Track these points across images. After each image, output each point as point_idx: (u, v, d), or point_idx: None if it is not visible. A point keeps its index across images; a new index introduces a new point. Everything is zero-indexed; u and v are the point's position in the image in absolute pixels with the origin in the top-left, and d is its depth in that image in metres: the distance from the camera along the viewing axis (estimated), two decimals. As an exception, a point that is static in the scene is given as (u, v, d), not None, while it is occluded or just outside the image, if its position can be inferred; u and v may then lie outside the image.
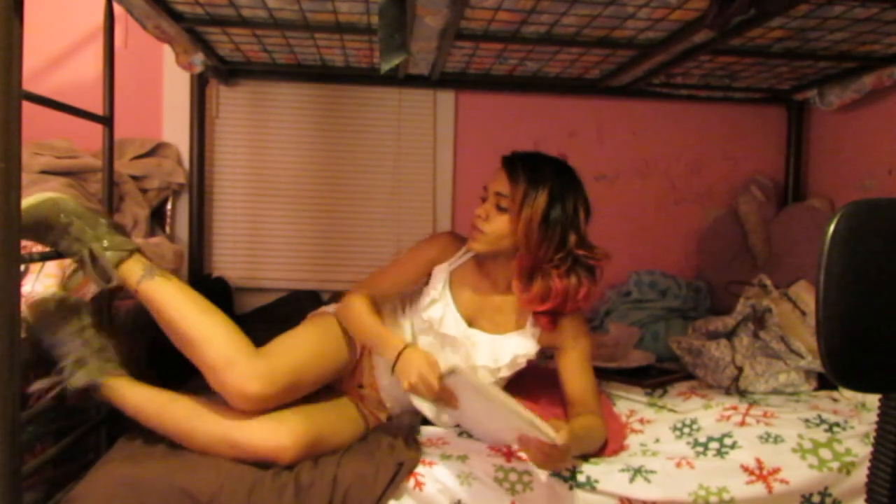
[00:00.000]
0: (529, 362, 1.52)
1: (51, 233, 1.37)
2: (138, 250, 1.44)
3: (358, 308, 1.51)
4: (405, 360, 1.36)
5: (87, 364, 1.36)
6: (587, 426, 1.37)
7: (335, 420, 1.45)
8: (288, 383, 1.36)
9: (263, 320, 2.30)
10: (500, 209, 1.44)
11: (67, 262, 1.74)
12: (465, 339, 1.50)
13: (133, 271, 1.40)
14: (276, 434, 1.30)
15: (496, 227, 1.44)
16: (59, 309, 1.39)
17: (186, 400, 1.39)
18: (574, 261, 1.43)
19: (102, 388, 1.38)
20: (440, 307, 1.51)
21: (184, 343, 1.38)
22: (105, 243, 1.40)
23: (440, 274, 1.55)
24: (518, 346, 1.49)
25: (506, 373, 1.50)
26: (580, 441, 1.31)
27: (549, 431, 1.17)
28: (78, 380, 1.35)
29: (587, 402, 1.48)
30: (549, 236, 1.41)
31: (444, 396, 1.33)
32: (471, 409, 1.35)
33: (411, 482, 1.27)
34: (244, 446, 1.30)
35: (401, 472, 1.27)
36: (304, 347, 1.46)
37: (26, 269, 1.72)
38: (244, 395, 1.31)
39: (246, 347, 1.37)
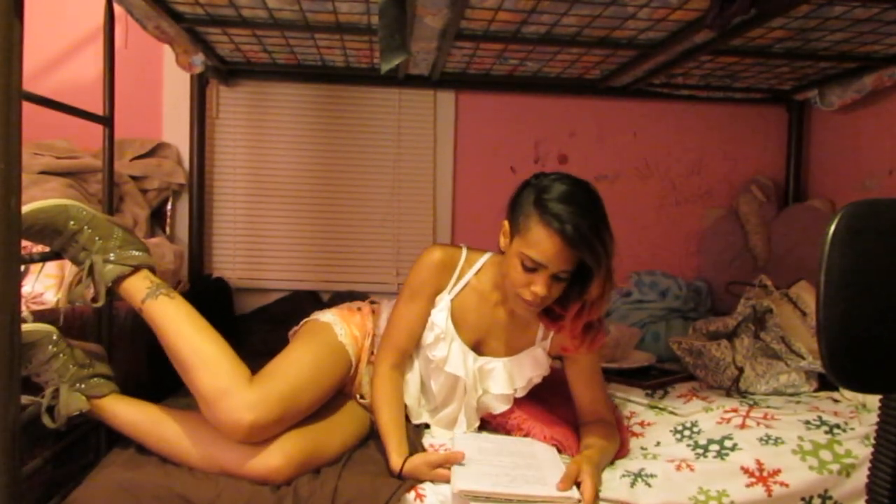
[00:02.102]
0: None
1: (58, 238, 1.35)
2: (148, 267, 1.41)
3: (377, 398, 1.44)
4: (410, 475, 1.28)
5: (63, 396, 1.32)
6: (605, 447, 1.37)
7: (335, 428, 1.41)
8: (282, 411, 1.30)
9: (263, 321, 2.31)
10: (562, 280, 1.32)
11: (67, 271, 1.74)
12: (477, 370, 1.47)
13: (137, 289, 1.37)
14: (267, 456, 1.27)
15: (556, 294, 1.34)
16: (25, 342, 1.30)
17: (175, 420, 1.35)
18: None
19: (91, 411, 1.36)
20: (444, 345, 1.44)
21: (180, 368, 1.34)
22: (111, 257, 1.36)
23: (441, 304, 1.47)
24: (533, 367, 1.48)
25: (521, 393, 1.49)
26: (599, 466, 1.32)
27: (563, 496, 1.20)
28: (58, 413, 1.31)
29: (598, 409, 1.48)
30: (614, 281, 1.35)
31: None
32: (489, 455, 1.35)
33: (412, 494, 1.26)
34: (234, 471, 1.28)
35: (402, 487, 1.25)
36: (298, 371, 1.38)
37: (26, 270, 1.72)
38: (238, 428, 1.26)
39: (239, 377, 1.31)
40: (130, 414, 1.37)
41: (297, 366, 1.41)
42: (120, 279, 1.37)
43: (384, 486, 1.25)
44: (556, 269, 1.29)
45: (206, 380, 1.30)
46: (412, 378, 1.51)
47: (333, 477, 1.28)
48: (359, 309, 1.62)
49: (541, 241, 1.28)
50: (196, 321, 1.37)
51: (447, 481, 1.25)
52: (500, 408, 1.48)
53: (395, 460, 1.30)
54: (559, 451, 1.43)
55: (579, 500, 1.21)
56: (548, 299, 1.33)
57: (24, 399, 1.26)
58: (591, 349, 1.43)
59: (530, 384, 1.49)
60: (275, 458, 1.27)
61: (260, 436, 1.28)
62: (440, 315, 1.46)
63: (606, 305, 1.37)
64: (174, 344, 1.34)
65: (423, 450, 1.39)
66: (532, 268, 1.30)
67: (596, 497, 1.23)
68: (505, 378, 1.47)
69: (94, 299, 1.37)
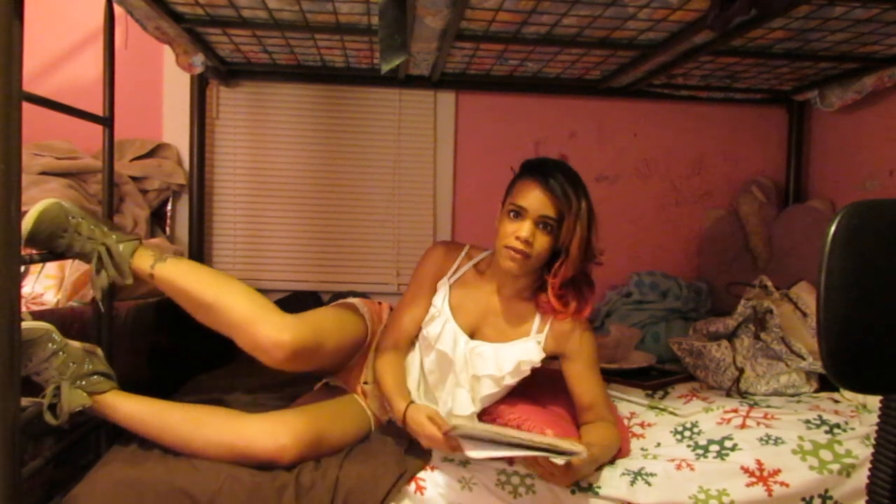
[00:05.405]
0: (534, 369, 1.51)
1: (63, 237, 1.36)
2: (141, 240, 1.47)
3: (380, 368, 1.51)
4: (410, 422, 1.35)
5: (65, 393, 1.32)
6: (605, 444, 1.37)
7: (337, 418, 1.44)
8: (315, 339, 1.39)
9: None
10: (545, 231, 1.39)
11: (67, 271, 1.74)
12: (468, 351, 1.49)
13: (144, 258, 1.42)
14: (275, 434, 1.30)
15: (541, 248, 1.39)
16: (25, 340, 1.31)
17: (181, 407, 1.38)
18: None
19: (92, 406, 1.36)
20: (439, 323, 1.50)
21: (208, 312, 1.39)
22: (114, 237, 1.40)
23: (441, 289, 1.54)
24: (522, 353, 1.47)
25: (510, 380, 1.47)
26: (597, 461, 1.32)
27: (570, 445, 1.19)
28: (61, 410, 1.31)
29: (597, 408, 1.48)
30: (591, 247, 1.42)
31: (454, 445, 1.31)
32: (485, 453, 1.35)
33: (412, 486, 1.26)
34: (243, 449, 1.29)
35: (403, 478, 1.26)
36: (323, 317, 1.51)
37: (26, 271, 1.72)
38: (279, 344, 1.33)
39: (271, 305, 1.41)
40: (132, 406, 1.38)
41: (322, 313, 1.54)
42: (133, 253, 1.41)
43: (384, 477, 1.27)
44: (537, 213, 1.38)
45: (242, 306, 1.37)
46: (413, 362, 1.55)
47: (335, 467, 1.29)
48: (379, 303, 1.72)
49: (523, 188, 1.41)
50: (210, 270, 1.47)
51: (438, 440, 1.26)
52: (489, 390, 1.48)
53: (400, 405, 1.38)
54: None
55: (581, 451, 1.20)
56: (531, 248, 1.38)
57: (25, 401, 1.25)
58: (575, 317, 1.45)
59: (519, 371, 1.47)
60: (284, 436, 1.30)
61: (296, 357, 1.35)
62: (438, 297, 1.53)
63: (584, 264, 1.43)
64: (197, 291, 1.39)
65: (424, 450, 1.39)
66: (517, 212, 1.40)
67: (580, 471, 1.24)
68: (493, 361, 1.48)
69: (123, 276, 1.38)
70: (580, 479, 1.30)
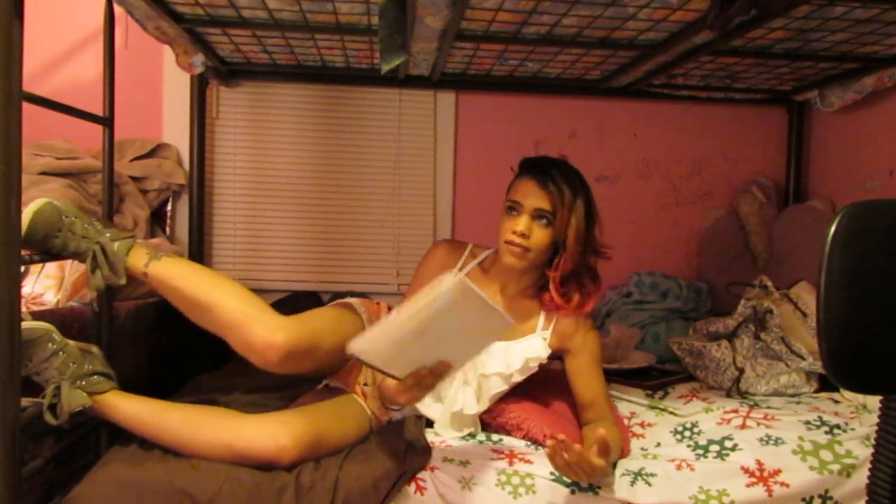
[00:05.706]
0: (541, 366, 1.52)
1: (58, 237, 1.35)
2: (135, 238, 1.46)
3: None
4: (382, 390, 1.36)
5: (65, 393, 1.31)
6: (617, 445, 1.37)
7: (337, 419, 1.44)
8: (310, 339, 1.36)
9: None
10: (542, 224, 1.43)
11: (67, 271, 1.74)
12: None
13: (139, 256, 1.40)
14: (275, 435, 1.29)
15: (538, 241, 1.43)
16: (25, 339, 1.30)
17: (181, 408, 1.38)
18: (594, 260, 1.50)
19: (92, 407, 1.35)
20: None
21: (201, 312, 1.37)
22: (108, 235, 1.39)
23: None
24: (529, 351, 1.49)
25: (518, 377, 1.49)
26: (612, 461, 1.31)
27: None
28: (61, 410, 1.30)
29: (598, 406, 1.48)
30: (589, 242, 1.46)
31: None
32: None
33: (412, 486, 1.26)
34: (242, 450, 1.29)
35: (403, 478, 1.26)
36: (319, 317, 1.49)
37: (26, 271, 1.72)
38: (272, 346, 1.30)
39: (265, 305, 1.38)
40: (132, 406, 1.37)
41: (317, 314, 1.51)
42: (128, 251, 1.39)
43: (384, 478, 1.26)
44: (532, 206, 1.42)
45: (234, 306, 1.34)
46: None
47: (335, 468, 1.29)
48: (378, 303, 1.71)
49: (520, 185, 1.46)
50: (205, 269, 1.45)
51: (405, 385, 1.24)
52: (497, 388, 1.49)
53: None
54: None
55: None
56: (529, 241, 1.41)
57: (25, 401, 1.25)
58: (577, 312, 1.48)
59: (527, 368, 1.49)
60: (283, 436, 1.29)
61: (290, 358, 1.32)
62: None
63: (585, 257, 1.46)
64: (190, 290, 1.37)
65: (427, 443, 1.39)
66: (514, 207, 1.45)
67: (601, 468, 1.19)
68: (501, 359, 1.49)
69: (118, 275, 1.37)
70: (597, 479, 1.27)
